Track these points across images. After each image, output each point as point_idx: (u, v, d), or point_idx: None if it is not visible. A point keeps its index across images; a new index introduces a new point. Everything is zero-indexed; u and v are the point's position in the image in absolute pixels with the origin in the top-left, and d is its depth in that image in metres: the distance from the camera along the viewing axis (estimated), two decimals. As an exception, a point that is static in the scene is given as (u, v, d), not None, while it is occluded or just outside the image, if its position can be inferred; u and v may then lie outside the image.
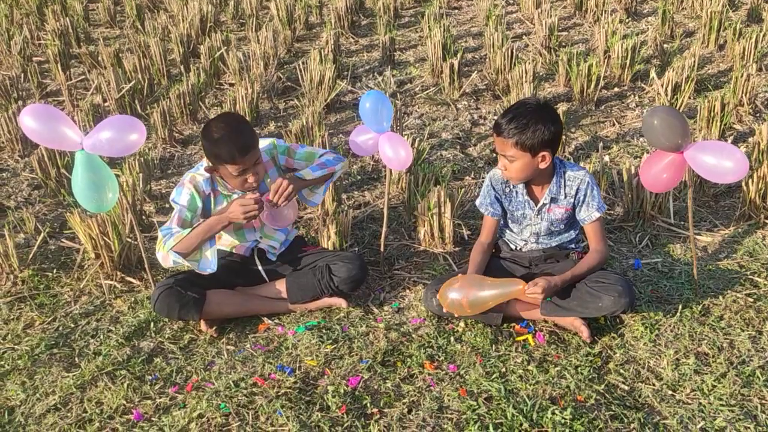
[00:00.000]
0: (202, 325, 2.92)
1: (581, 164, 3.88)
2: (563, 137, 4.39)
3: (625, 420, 2.32)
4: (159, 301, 2.84)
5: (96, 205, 2.86)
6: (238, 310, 2.99)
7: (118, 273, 3.39)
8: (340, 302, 3.03)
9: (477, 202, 3.05)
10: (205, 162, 2.94)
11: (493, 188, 2.97)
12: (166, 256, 2.74)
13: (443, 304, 2.73)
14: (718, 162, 2.48)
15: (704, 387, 2.46)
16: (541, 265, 2.99)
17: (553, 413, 2.33)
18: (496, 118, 5.01)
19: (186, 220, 2.85)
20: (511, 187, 2.93)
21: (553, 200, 2.87)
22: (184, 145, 4.92)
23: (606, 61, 5.52)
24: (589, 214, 2.85)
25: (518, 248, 3.04)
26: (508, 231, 3.06)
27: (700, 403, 2.38)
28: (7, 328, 3.04)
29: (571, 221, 2.95)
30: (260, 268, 3.08)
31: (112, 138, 2.77)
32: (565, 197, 2.85)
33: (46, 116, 2.78)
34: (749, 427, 2.26)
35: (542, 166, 2.74)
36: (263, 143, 3.01)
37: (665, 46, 5.85)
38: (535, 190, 2.90)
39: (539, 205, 2.88)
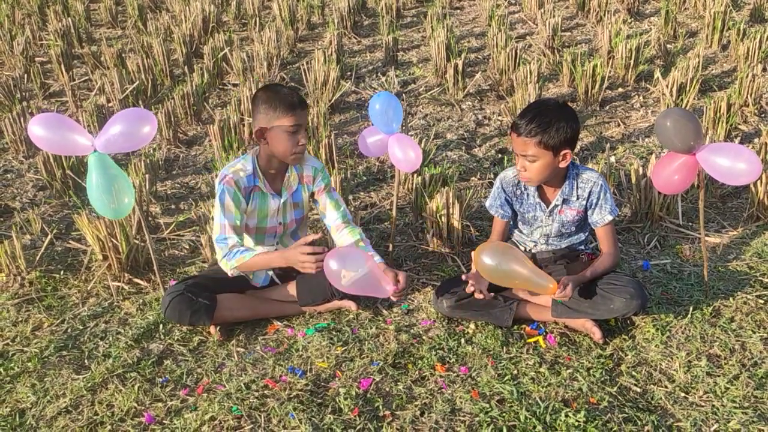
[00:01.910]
0: (212, 329, 2.92)
1: (588, 165, 3.88)
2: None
3: (639, 423, 2.31)
4: (170, 307, 2.83)
5: (113, 211, 2.85)
6: (249, 314, 2.99)
7: (126, 275, 3.38)
8: (350, 305, 3.02)
9: (487, 204, 3.04)
10: (247, 155, 2.96)
11: (504, 190, 2.96)
12: (228, 270, 2.87)
13: (475, 263, 2.64)
14: (732, 164, 2.48)
15: (717, 389, 2.45)
16: (551, 266, 2.98)
17: (566, 416, 2.32)
18: (500, 118, 5.03)
19: (237, 226, 2.88)
20: (522, 189, 2.92)
21: (566, 201, 2.86)
22: (188, 146, 4.91)
23: (610, 61, 5.53)
24: (601, 217, 2.85)
25: (528, 249, 3.03)
26: (517, 232, 3.06)
27: (714, 406, 2.38)
28: (16, 330, 3.03)
29: (581, 223, 2.94)
30: (272, 273, 3.09)
31: (124, 131, 2.77)
32: (578, 199, 2.85)
33: (55, 124, 2.77)
34: (763, 429, 2.26)
35: (563, 165, 2.73)
36: (315, 162, 3.10)
37: (668, 46, 5.86)
38: (546, 192, 2.89)
39: (551, 207, 2.87)
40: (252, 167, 2.91)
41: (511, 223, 3.05)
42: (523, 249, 3.05)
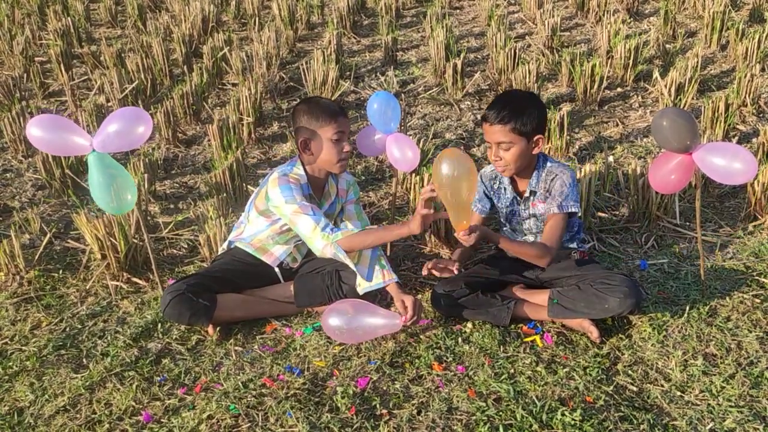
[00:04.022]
0: (210, 329, 2.92)
1: (586, 165, 3.88)
2: (567, 137, 4.40)
3: (635, 421, 2.32)
4: (169, 307, 2.83)
5: (115, 206, 2.87)
6: (248, 315, 2.99)
7: (125, 274, 3.39)
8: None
9: None
10: (297, 162, 3.00)
11: (483, 184, 3.03)
12: (328, 246, 2.81)
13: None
14: (728, 163, 2.49)
15: (713, 388, 2.46)
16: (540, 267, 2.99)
17: (562, 414, 2.33)
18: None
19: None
20: (499, 183, 2.99)
21: (533, 193, 2.89)
22: (187, 146, 4.92)
23: (609, 61, 5.53)
24: (549, 207, 2.85)
25: None
26: (505, 232, 3.10)
27: (709, 405, 2.39)
28: (15, 329, 3.04)
29: None
30: (278, 273, 3.10)
31: (120, 131, 2.79)
32: (544, 191, 2.88)
33: (53, 125, 2.78)
34: (758, 428, 2.27)
35: (536, 151, 2.81)
36: (349, 176, 3.22)
37: (667, 46, 5.86)
38: (519, 185, 2.95)
39: (523, 199, 2.93)
40: (305, 175, 2.98)
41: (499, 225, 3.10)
42: None
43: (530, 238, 3.02)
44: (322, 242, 2.82)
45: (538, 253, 2.80)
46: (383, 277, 2.92)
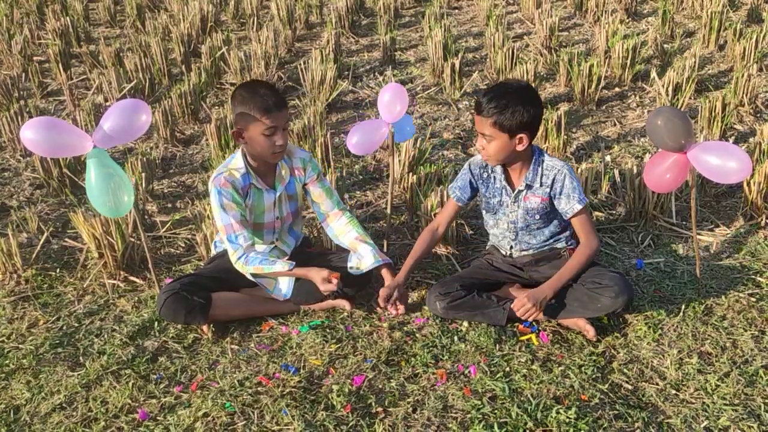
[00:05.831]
0: (204, 328, 2.92)
1: (583, 164, 3.89)
2: (564, 136, 4.40)
3: (629, 419, 2.33)
4: (165, 306, 2.83)
5: (112, 209, 2.85)
6: (244, 313, 2.99)
7: (122, 272, 3.39)
8: (344, 304, 3.03)
9: (450, 186, 3.08)
10: (237, 153, 2.97)
11: (471, 172, 3.00)
12: (241, 269, 2.94)
13: None
14: (722, 162, 2.50)
15: (708, 386, 2.47)
16: (534, 267, 2.99)
17: (557, 412, 2.34)
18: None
19: (243, 220, 2.91)
20: (489, 172, 2.95)
21: (529, 187, 2.86)
22: (185, 145, 4.92)
23: (606, 61, 5.54)
24: (570, 207, 2.82)
25: (508, 254, 3.03)
26: (491, 233, 3.10)
27: (704, 403, 2.40)
28: (11, 328, 3.04)
29: (547, 215, 2.90)
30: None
31: (121, 122, 2.78)
32: (541, 186, 2.85)
33: (49, 128, 2.75)
34: (753, 426, 2.28)
35: (519, 148, 2.75)
36: (303, 152, 3.11)
37: (665, 46, 5.87)
38: (512, 176, 2.91)
39: (516, 192, 2.88)
40: (244, 165, 2.92)
41: (487, 227, 3.10)
42: (504, 254, 3.04)
43: (509, 234, 2.99)
44: (236, 266, 2.94)
45: (588, 258, 2.82)
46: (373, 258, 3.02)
